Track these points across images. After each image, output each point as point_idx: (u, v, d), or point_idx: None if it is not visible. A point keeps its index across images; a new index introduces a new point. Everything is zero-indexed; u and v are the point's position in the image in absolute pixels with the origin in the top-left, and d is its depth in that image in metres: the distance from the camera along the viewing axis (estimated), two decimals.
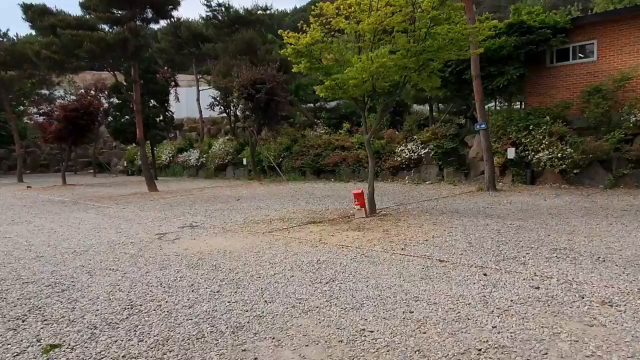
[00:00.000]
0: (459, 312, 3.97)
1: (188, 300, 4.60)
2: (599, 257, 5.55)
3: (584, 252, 5.84)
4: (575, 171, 12.88)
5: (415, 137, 17.28)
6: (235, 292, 4.81)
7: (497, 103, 22.19)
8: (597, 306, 3.99)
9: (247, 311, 4.22)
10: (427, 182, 16.09)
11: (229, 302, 4.49)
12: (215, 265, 5.93)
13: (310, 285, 4.92)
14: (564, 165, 12.89)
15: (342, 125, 21.85)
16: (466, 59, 12.84)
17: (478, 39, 10.07)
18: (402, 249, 6.37)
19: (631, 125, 12.24)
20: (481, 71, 13.34)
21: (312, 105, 28.06)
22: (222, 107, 25.17)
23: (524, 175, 14.01)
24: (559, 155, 12.94)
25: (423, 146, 16.69)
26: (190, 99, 32.75)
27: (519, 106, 19.33)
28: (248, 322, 3.95)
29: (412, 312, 4.02)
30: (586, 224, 7.61)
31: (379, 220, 8.81)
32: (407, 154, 16.90)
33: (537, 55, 14.75)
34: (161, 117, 25.70)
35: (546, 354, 3.17)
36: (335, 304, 4.32)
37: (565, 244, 6.31)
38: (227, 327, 3.86)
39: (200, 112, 30.84)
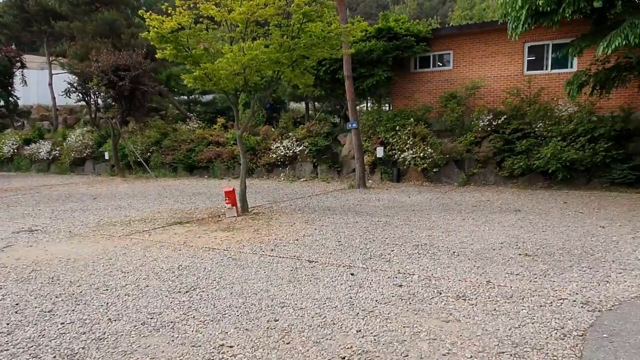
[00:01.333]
0: (325, 317, 3.82)
1: (7, 324, 3.77)
2: (454, 252, 5.92)
3: (441, 247, 6.19)
4: (435, 170, 13.99)
5: (290, 134, 17.27)
6: (74, 309, 4.09)
7: (368, 104, 23.28)
8: (453, 301, 4.15)
9: (84, 334, 3.57)
10: (302, 179, 16.19)
11: (62, 323, 3.78)
12: (53, 278, 5.04)
13: (166, 296, 4.40)
14: (425, 165, 13.91)
15: (217, 120, 20.97)
16: (339, 59, 13.12)
17: (350, 40, 10.27)
18: (272, 250, 6.12)
19: (480, 129, 13.66)
20: (353, 72, 13.76)
21: (186, 97, 26.51)
22: (80, 95, 22.50)
23: (391, 173, 14.83)
24: (422, 154, 13.92)
25: (298, 143, 16.74)
26: (42, 84, 28.72)
27: (387, 108, 20.49)
28: (83, 348, 3.33)
29: (277, 320, 3.77)
30: (443, 220, 8.17)
31: (250, 219, 8.48)
32: (282, 151, 16.81)
33: (403, 60, 15.72)
34: (2, 103, 22.07)
35: (407, 355, 3.15)
36: (194, 317, 3.88)
37: (426, 239, 6.65)
38: (54, 357, 3.20)
39: (54, 98, 27.14)
